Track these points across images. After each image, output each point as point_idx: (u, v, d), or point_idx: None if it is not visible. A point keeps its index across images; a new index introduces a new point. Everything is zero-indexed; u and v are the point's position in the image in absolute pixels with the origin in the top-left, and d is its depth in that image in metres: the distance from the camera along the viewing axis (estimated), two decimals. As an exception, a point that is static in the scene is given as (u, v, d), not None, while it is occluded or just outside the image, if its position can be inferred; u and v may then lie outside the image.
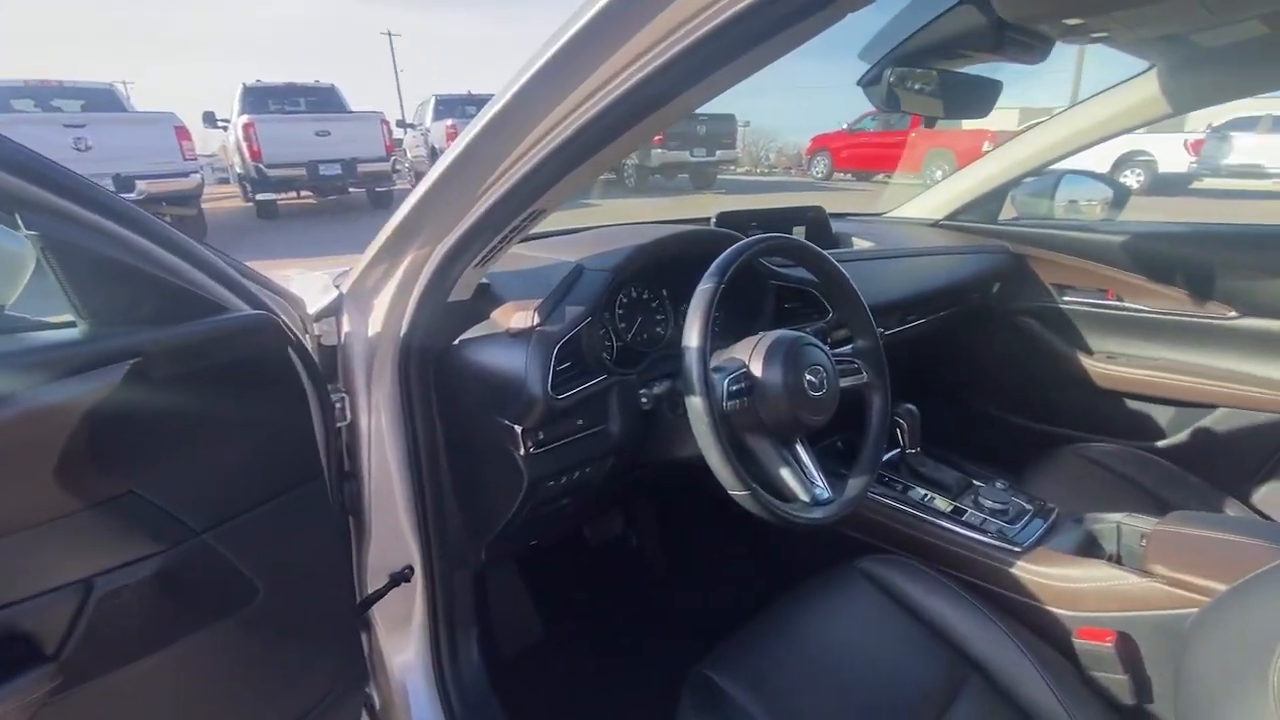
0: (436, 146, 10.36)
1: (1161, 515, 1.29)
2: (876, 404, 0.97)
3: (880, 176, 12.96)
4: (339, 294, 0.84)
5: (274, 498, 0.69)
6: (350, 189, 8.64)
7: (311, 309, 0.82)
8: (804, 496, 0.83)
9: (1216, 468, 1.43)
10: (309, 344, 0.80)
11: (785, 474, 0.84)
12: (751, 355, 0.84)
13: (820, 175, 14.04)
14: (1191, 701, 0.75)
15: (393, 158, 8.84)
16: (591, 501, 1.11)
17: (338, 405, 0.84)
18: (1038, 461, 1.42)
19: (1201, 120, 11.16)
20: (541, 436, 0.85)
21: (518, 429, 0.82)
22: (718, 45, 0.45)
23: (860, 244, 1.57)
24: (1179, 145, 11.08)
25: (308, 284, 0.90)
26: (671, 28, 0.45)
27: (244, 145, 7.76)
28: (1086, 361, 1.62)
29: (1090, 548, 1.02)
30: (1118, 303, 1.59)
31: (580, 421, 0.90)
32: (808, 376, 0.84)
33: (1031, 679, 0.86)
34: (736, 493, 0.76)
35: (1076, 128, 1.51)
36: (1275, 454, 1.38)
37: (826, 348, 0.89)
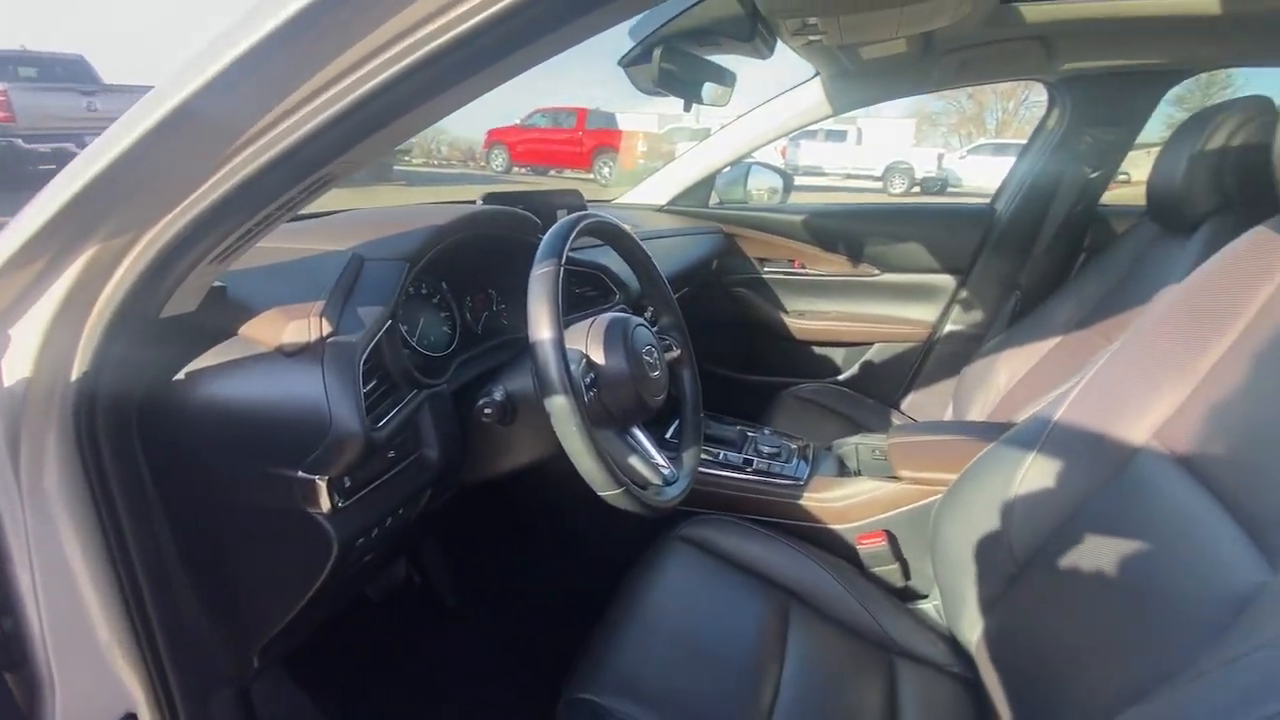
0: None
1: (857, 432, 1.65)
2: (687, 375, 1.00)
3: (553, 171, 13.61)
4: None
5: None
6: None
7: (-122, 353, 0.48)
8: (655, 480, 0.81)
9: (879, 388, 1.89)
10: None
11: (634, 461, 0.81)
12: (588, 342, 0.78)
13: (500, 169, 14.10)
14: (946, 567, 0.97)
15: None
16: (394, 550, 0.90)
17: None
18: (767, 406, 1.67)
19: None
20: (348, 483, 0.65)
21: (319, 480, 0.61)
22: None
23: None
24: (774, 150, 14.35)
25: None
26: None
27: None
28: (785, 319, 1.96)
29: (842, 468, 1.23)
30: (802, 270, 1.96)
31: (392, 454, 0.72)
32: (645, 358, 0.81)
33: (833, 590, 1.00)
34: (608, 492, 0.70)
35: (762, 127, 1.79)
36: (911, 372, 1.88)
37: (649, 326, 0.88)
